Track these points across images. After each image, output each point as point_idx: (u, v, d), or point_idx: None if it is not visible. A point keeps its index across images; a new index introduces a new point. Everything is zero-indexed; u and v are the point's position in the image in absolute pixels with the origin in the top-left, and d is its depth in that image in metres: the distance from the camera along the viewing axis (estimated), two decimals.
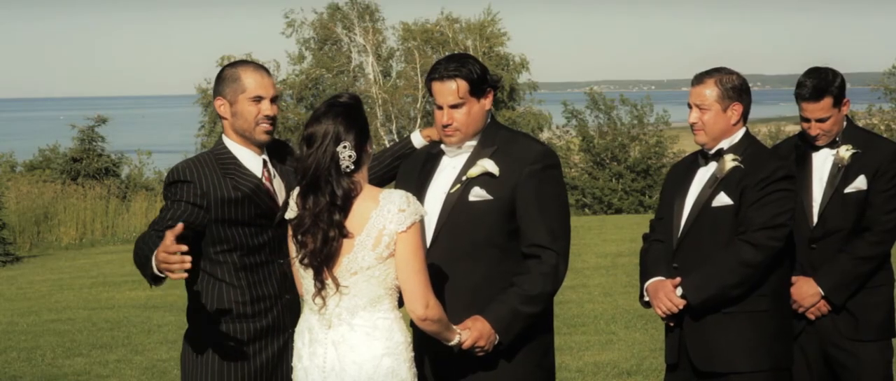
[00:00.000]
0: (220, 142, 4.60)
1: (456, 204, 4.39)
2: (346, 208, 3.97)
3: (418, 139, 4.90)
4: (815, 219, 5.34)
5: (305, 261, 4.02)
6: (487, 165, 4.40)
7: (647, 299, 5.00)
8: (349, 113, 4.03)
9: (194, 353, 4.52)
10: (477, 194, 4.38)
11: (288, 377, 4.44)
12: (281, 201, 4.53)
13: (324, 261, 3.98)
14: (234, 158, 4.53)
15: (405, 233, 3.96)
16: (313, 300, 4.05)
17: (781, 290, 4.98)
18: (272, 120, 4.53)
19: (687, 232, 4.93)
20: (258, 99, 4.50)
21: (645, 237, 5.22)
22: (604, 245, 17.58)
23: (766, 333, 4.87)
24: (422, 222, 4.05)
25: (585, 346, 9.68)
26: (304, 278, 4.09)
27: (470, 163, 4.44)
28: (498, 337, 4.28)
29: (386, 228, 3.96)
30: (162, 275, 4.05)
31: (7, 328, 11.58)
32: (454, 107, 4.42)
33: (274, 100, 4.55)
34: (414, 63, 45.11)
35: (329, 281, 4.00)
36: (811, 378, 5.38)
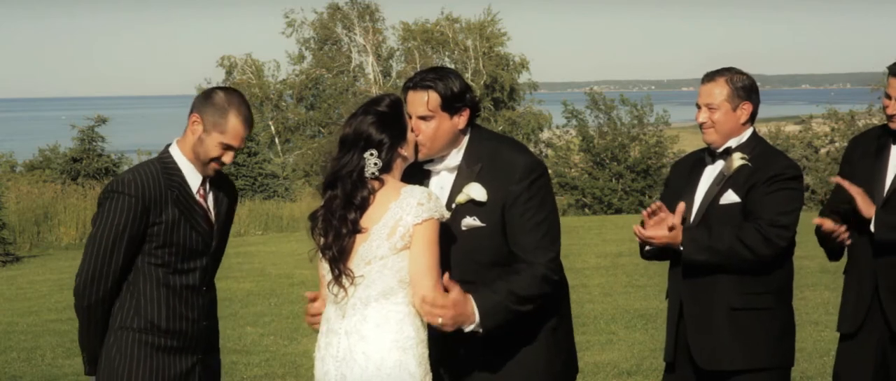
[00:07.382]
0: (168, 151, 4.52)
1: (449, 232, 4.28)
2: (363, 207, 4.01)
3: None
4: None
5: (324, 253, 4.07)
6: (473, 192, 4.28)
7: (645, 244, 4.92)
8: (382, 120, 4.06)
9: (108, 358, 4.45)
10: (467, 223, 4.28)
11: None
12: (212, 219, 4.53)
13: (338, 254, 4.02)
14: (179, 170, 4.47)
15: (420, 225, 3.96)
16: (330, 289, 4.08)
17: (785, 288, 4.96)
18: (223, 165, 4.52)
19: (694, 229, 4.91)
20: (228, 147, 4.47)
21: None
22: (604, 245, 17.59)
23: (770, 331, 4.86)
24: (441, 222, 4.04)
25: (585, 346, 9.67)
26: (324, 269, 4.12)
27: (457, 187, 4.33)
28: (478, 321, 4.15)
29: (402, 219, 3.97)
30: None
31: (7, 328, 11.58)
32: (423, 118, 4.23)
33: (239, 150, 4.53)
34: (414, 63, 45.14)
35: (345, 271, 4.03)
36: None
